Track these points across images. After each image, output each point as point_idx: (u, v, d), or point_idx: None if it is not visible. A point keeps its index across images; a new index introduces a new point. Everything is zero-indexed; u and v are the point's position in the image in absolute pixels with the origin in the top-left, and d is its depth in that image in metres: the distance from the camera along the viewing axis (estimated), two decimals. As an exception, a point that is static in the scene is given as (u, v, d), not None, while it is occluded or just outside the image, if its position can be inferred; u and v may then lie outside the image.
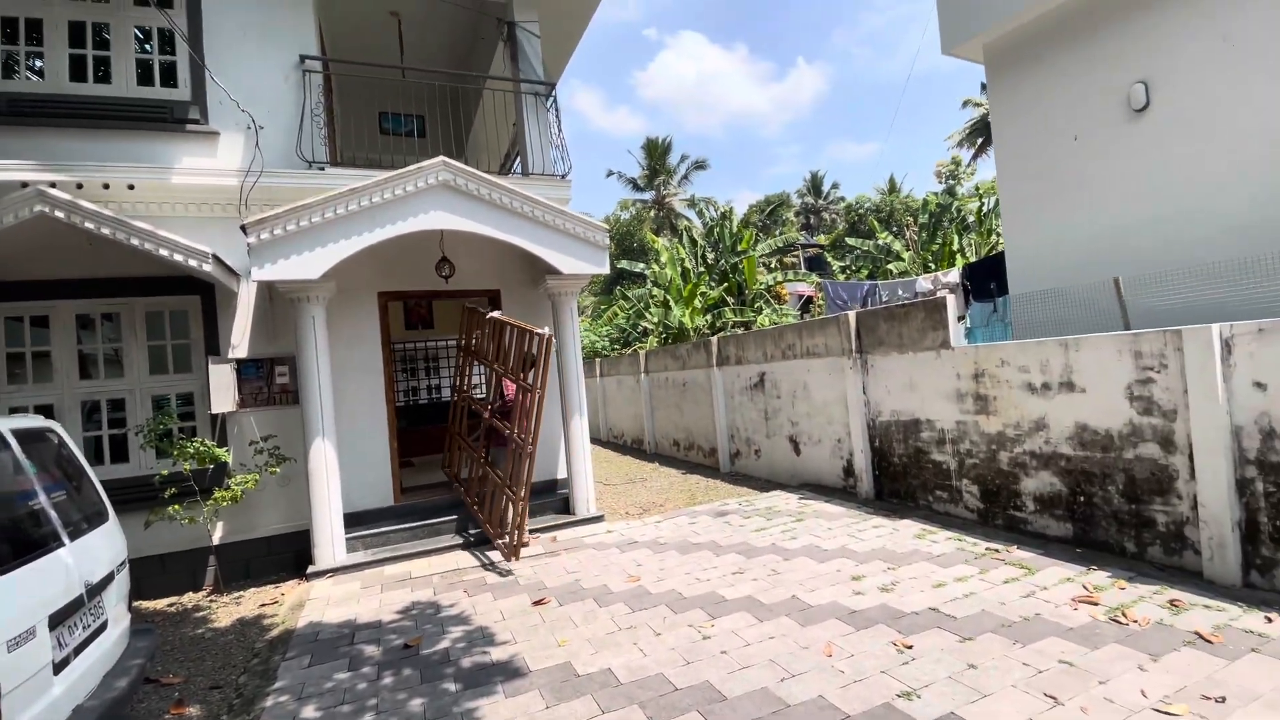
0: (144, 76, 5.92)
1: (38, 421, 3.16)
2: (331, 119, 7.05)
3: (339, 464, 5.83)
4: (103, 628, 3.02)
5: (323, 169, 6.23)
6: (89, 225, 4.87)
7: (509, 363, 5.96)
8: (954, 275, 9.44)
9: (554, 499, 6.81)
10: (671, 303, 17.25)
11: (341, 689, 3.50)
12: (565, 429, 6.71)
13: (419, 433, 10.10)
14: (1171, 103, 6.04)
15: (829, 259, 25.61)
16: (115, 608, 3.18)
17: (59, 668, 2.58)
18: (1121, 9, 6.55)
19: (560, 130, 7.39)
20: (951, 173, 31.80)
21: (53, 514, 2.77)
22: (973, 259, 16.00)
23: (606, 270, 6.48)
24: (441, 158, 5.73)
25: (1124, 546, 4.48)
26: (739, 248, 19.82)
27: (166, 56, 5.95)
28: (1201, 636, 3.33)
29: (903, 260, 18.96)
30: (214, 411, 5.45)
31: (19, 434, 2.90)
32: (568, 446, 6.68)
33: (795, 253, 29.69)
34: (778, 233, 27.81)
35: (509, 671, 3.54)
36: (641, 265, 21.73)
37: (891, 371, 6.31)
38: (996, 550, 4.84)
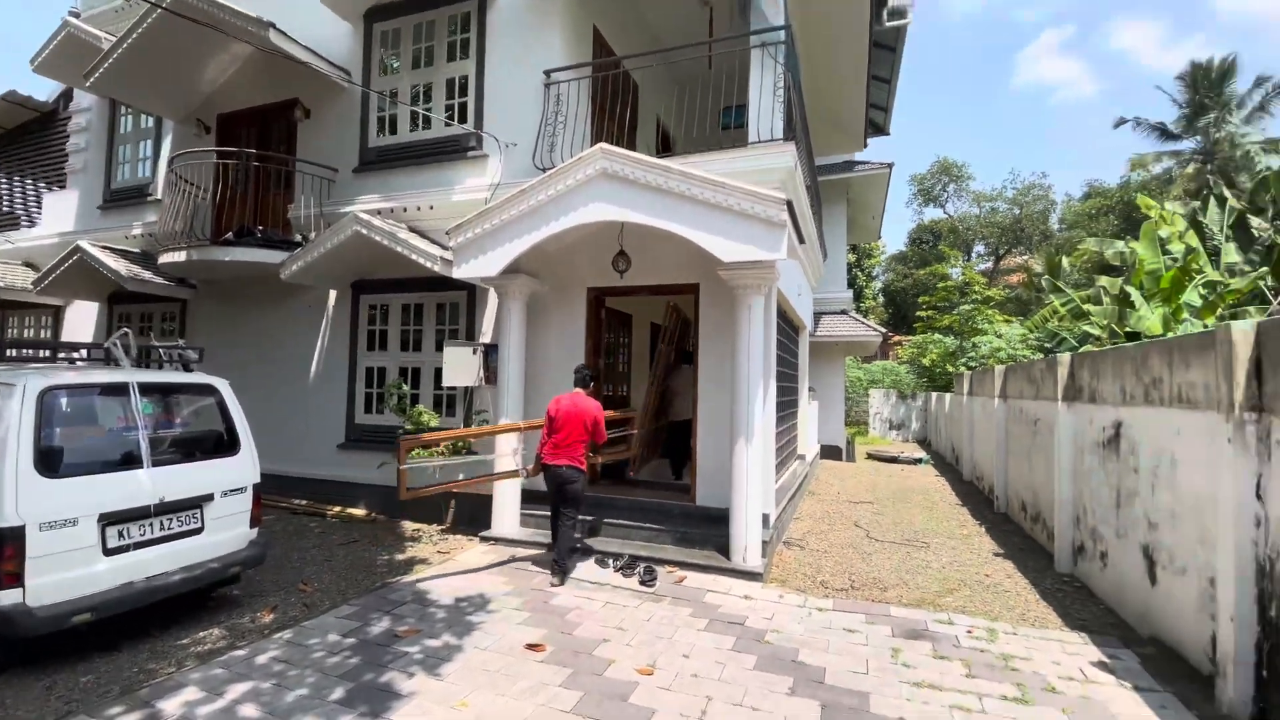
0: (448, 119, 7.57)
1: (203, 378, 4.53)
2: (601, 121, 7.45)
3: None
4: (192, 533, 4.13)
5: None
6: (376, 238, 6.63)
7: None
8: None
9: (721, 534, 5.65)
10: (1137, 297, 11.59)
11: (313, 650, 3.84)
12: (731, 453, 5.46)
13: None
14: None
15: None
16: (217, 520, 4.29)
17: (114, 552, 3.68)
18: None
19: (791, 84, 5.89)
20: None
21: (144, 445, 3.94)
22: None
23: (781, 255, 4.88)
24: (601, 145, 5.40)
25: None
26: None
27: (461, 99, 7.42)
28: None
29: None
30: (446, 384, 6.66)
31: (172, 386, 4.31)
32: (732, 476, 5.42)
33: None
34: None
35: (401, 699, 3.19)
36: (1120, 243, 15.36)
37: (1329, 464, 2.70)
38: None
